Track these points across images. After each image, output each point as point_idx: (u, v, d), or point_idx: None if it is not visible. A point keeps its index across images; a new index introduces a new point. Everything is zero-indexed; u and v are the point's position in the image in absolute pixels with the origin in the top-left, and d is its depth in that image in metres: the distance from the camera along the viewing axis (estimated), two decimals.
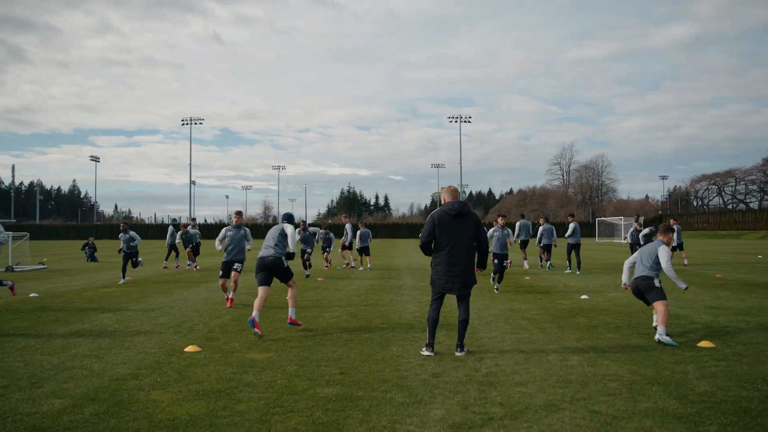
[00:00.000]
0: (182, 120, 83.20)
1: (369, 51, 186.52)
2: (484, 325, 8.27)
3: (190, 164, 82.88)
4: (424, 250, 6.64)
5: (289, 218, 8.71)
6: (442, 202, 6.80)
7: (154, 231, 77.54)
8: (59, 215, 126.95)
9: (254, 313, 7.43)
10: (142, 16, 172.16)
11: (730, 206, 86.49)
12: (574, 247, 17.65)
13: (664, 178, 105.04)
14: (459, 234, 6.45)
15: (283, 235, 8.25)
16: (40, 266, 20.94)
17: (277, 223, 8.75)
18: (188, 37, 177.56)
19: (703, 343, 6.69)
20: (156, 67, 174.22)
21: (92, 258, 25.67)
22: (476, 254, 6.61)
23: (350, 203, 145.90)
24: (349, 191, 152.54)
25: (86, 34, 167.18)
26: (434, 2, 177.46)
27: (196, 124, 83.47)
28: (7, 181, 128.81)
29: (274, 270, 8.05)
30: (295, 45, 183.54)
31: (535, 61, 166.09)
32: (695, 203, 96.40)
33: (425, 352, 6.40)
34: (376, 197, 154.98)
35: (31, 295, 12.28)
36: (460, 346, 6.40)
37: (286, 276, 8.18)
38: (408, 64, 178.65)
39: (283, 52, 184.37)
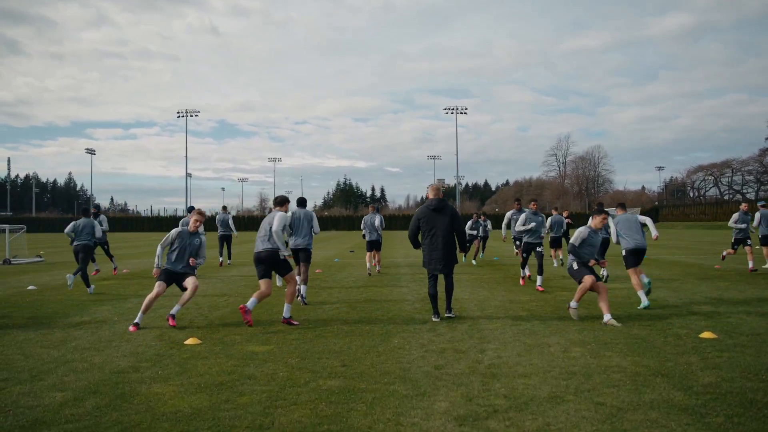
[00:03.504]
0: (178, 112, 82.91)
1: (364, 42, 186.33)
2: (485, 316, 8.25)
3: (186, 157, 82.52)
4: (411, 241, 8.28)
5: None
6: (426, 197, 8.31)
7: (151, 224, 77.28)
8: (55, 208, 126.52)
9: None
10: (138, 8, 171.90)
11: (726, 197, 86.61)
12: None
13: (660, 168, 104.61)
14: (438, 225, 7.99)
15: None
16: (38, 259, 20.86)
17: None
18: (184, 29, 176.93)
19: (705, 334, 6.68)
20: (151, 60, 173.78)
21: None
22: (456, 240, 8.04)
23: (347, 195, 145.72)
24: (345, 183, 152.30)
25: (81, 26, 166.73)
26: None
27: (191, 116, 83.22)
28: (2, 174, 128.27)
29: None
30: (291, 37, 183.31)
31: (530, 51, 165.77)
32: (691, 194, 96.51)
33: (434, 318, 7.91)
34: (373, 189, 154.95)
35: (29, 287, 12.23)
36: (449, 308, 8.05)
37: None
38: (403, 55, 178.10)
39: (279, 43, 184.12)
